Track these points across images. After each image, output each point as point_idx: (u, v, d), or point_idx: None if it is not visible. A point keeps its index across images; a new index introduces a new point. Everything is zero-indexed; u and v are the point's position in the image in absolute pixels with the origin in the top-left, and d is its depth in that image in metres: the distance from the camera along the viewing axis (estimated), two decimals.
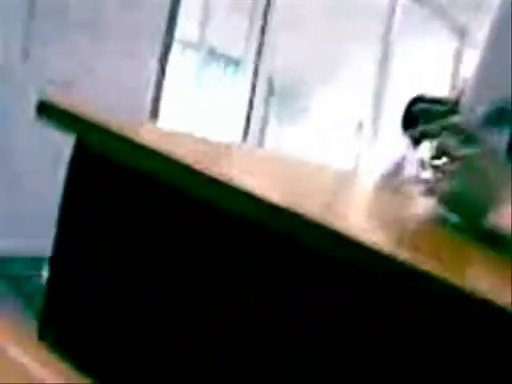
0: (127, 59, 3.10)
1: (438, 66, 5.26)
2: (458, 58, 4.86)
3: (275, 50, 4.01)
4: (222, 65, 5.16)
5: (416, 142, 3.34)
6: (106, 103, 2.94)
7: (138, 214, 0.73)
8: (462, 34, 4.80)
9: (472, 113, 0.76)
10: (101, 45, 3.01)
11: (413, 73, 7.20)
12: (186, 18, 3.55)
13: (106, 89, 3.02)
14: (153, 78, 3.22)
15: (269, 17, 3.94)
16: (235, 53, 4.59)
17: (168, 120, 3.77)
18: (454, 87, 4.81)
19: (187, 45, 4.51)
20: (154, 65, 3.21)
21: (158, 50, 3.21)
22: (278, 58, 4.09)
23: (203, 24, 4.46)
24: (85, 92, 2.90)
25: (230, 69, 5.12)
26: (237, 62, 4.61)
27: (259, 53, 3.92)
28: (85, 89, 2.90)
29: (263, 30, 3.92)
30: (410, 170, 3.43)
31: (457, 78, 4.86)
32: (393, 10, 4.18)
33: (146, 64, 3.17)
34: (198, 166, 0.61)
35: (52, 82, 2.75)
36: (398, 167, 3.52)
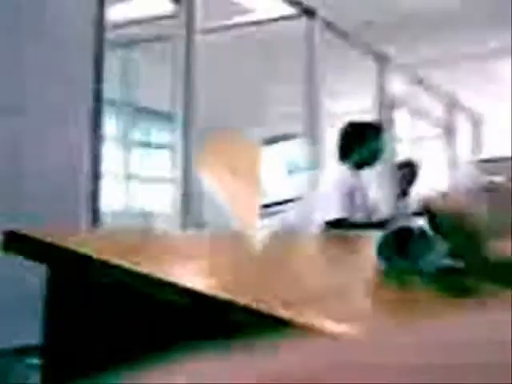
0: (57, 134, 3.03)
1: (363, 90, 5.35)
2: (381, 78, 4.96)
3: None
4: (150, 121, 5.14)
5: (358, 167, 3.37)
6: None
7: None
8: (382, 59, 4.91)
9: None
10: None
11: (340, 103, 7.31)
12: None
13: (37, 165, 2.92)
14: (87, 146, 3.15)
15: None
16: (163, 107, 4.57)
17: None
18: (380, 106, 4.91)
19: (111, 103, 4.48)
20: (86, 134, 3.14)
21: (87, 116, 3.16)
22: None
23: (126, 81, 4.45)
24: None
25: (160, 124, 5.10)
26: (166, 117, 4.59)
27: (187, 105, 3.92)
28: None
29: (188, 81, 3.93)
30: (360, 198, 3.45)
31: (381, 100, 4.94)
32: (311, 46, 4.23)
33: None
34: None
35: None
36: (351, 197, 3.53)
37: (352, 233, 2.59)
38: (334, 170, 3.53)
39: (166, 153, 4.50)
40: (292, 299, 0.63)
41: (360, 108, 6.78)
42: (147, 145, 5.19)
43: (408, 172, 5.20)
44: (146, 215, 4.19)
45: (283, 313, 0.54)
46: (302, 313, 0.53)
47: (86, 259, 0.86)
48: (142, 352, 0.81)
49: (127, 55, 4.54)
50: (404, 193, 5.10)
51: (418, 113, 6.13)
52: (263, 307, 0.55)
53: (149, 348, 0.80)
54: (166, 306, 0.74)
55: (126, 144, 4.38)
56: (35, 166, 2.91)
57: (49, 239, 0.94)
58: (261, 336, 0.53)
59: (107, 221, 3.91)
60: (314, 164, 4.20)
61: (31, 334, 2.25)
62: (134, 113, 4.54)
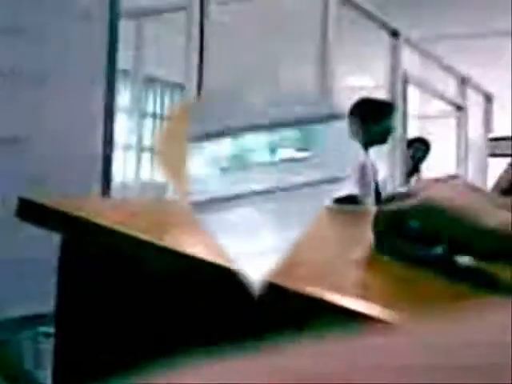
0: (74, 104, 3.03)
1: (377, 65, 5.32)
2: (394, 53, 4.92)
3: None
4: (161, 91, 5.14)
5: (368, 144, 3.37)
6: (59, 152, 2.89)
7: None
8: (394, 33, 4.87)
9: None
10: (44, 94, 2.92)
11: (353, 78, 7.27)
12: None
13: (57, 139, 2.92)
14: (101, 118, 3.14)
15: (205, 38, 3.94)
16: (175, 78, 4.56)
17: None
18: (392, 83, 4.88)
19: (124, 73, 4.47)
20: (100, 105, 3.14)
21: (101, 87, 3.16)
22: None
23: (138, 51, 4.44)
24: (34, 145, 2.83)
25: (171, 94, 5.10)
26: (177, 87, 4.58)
27: (200, 76, 3.92)
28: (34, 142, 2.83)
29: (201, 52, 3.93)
30: (370, 175, 3.46)
31: (395, 72, 4.91)
32: (325, 20, 4.20)
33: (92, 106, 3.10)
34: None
35: None
36: (362, 173, 3.53)
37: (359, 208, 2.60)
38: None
39: None
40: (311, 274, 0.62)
41: (373, 84, 6.74)
42: (160, 116, 5.19)
43: (419, 148, 5.19)
44: (157, 187, 4.20)
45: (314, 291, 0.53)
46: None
47: (101, 229, 0.85)
48: (155, 323, 0.82)
49: (141, 25, 4.53)
50: (416, 169, 5.10)
51: (430, 90, 6.11)
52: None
53: (163, 318, 0.81)
54: (181, 277, 0.73)
55: (139, 115, 4.38)
56: (49, 133, 2.92)
57: (62, 208, 0.94)
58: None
59: (118, 191, 3.92)
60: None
61: (43, 302, 2.30)
62: (146, 83, 4.53)
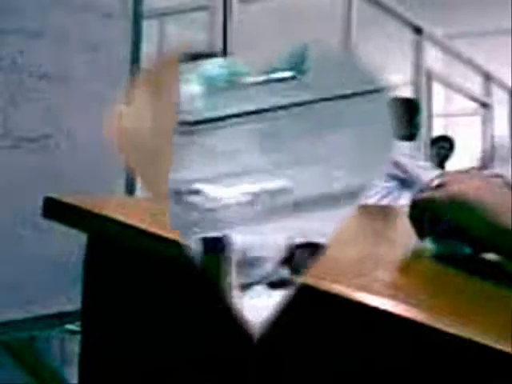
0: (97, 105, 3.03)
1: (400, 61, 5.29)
2: (417, 50, 4.89)
3: None
4: None
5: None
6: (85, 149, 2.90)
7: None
8: (417, 30, 4.84)
9: None
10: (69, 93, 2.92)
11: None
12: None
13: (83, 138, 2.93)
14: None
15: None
16: None
17: None
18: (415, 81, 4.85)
19: None
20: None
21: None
22: None
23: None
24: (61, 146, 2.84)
25: None
26: None
27: None
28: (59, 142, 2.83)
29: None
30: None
31: (419, 69, 4.88)
32: (349, 17, 4.19)
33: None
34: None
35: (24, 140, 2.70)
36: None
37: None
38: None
39: None
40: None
41: (397, 81, 6.68)
42: None
43: (443, 147, 5.16)
44: None
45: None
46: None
47: (126, 228, 0.85)
48: (181, 321, 0.82)
49: (164, 25, 4.54)
50: (441, 167, 5.07)
51: (454, 87, 6.06)
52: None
53: (189, 316, 0.81)
54: (207, 277, 0.73)
55: None
56: (73, 133, 2.93)
57: (88, 207, 0.94)
58: None
59: (142, 191, 3.94)
60: None
61: (70, 300, 2.32)
62: None
